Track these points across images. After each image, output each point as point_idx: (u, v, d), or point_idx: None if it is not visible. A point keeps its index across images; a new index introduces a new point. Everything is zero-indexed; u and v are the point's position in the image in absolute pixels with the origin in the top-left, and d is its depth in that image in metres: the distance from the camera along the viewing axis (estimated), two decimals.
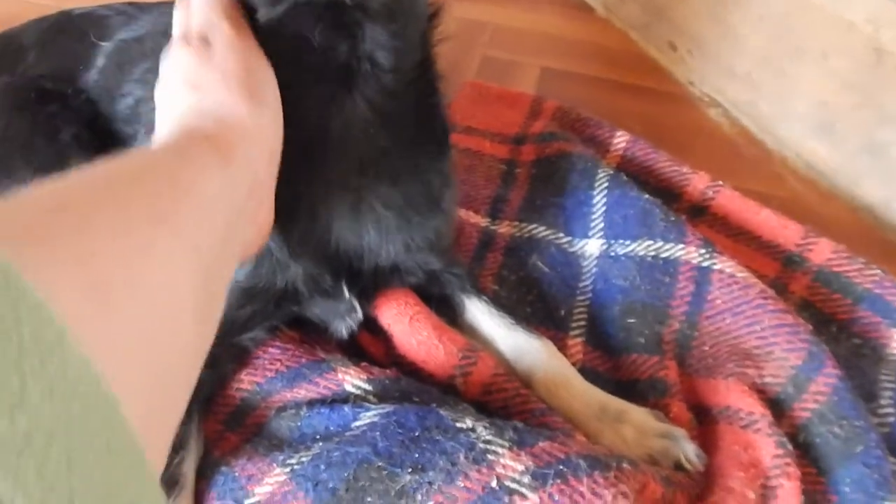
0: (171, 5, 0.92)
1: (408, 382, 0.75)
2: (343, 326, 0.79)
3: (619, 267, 0.91)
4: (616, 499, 0.61)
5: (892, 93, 0.99)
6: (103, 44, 0.88)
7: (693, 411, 0.80)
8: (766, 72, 1.17)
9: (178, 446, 0.68)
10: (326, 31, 0.60)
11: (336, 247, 0.72)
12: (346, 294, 0.75)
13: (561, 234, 0.99)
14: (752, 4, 1.15)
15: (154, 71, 0.83)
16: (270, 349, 0.78)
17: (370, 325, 0.83)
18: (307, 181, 0.69)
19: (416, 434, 0.63)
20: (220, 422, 0.76)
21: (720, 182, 1.01)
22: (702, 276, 0.88)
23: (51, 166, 0.81)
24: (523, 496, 0.60)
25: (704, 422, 0.79)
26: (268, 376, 0.75)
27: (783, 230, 0.94)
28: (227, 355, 0.76)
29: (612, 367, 0.85)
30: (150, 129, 0.82)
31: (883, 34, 0.96)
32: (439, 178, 0.76)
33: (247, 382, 0.76)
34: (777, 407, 0.78)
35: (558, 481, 0.61)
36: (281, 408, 0.74)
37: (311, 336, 0.81)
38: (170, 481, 0.65)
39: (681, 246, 0.90)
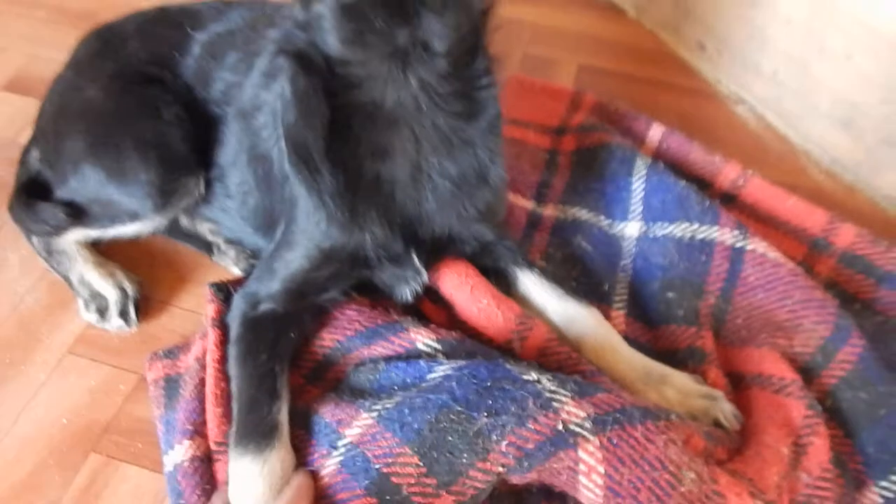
0: (253, 3, 1.01)
1: (472, 343, 0.83)
2: (408, 290, 0.87)
3: (658, 247, 0.99)
4: (666, 445, 0.69)
5: None
6: (198, 35, 0.96)
7: (728, 378, 0.88)
8: (791, 71, 1.24)
9: (273, 396, 0.76)
10: (387, 17, 0.69)
11: (399, 213, 0.81)
12: (415, 258, 0.83)
13: (602, 217, 1.07)
14: (779, 7, 1.22)
15: (243, 60, 0.92)
16: (347, 311, 0.86)
17: (430, 294, 0.92)
18: (369, 153, 0.77)
19: (488, 384, 0.71)
20: (303, 376, 0.84)
21: (750, 171, 1.08)
22: (736, 255, 0.95)
23: (154, 141, 0.90)
24: (586, 439, 0.68)
25: (739, 387, 0.87)
26: (347, 334, 0.84)
27: (810, 216, 1.02)
28: (308, 314, 0.85)
29: (652, 337, 0.93)
30: (237, 110, 0.91)
31: None
32: (489, 155, 0.83)
33: (328, 340, 0.84)
34: (806, 374, 0.85)
35: (616, 427, 0.69)
36: (359, 363, 0.82)
37: (379, 302, 0.89)
38: (269, 427, 0.74)
39: (716, 228, 0.97)
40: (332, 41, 0.71)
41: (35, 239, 1.00)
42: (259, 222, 0.94)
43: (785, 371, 0.84)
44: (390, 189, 0.79)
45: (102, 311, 0.94)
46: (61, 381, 0.90)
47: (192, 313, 0.98)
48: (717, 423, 0.80)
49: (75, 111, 0.95)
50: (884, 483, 0.79)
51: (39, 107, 1.05)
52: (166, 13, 1.04)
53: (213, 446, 0.79)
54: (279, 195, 0.85)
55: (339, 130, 0.76)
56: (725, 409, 0.80)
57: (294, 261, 0.81)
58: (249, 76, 0.89)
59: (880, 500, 0.78)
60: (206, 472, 0.78)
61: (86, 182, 0.92)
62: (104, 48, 1.01)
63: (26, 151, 1.05)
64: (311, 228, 0.80)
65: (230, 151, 0.93)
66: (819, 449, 0.77)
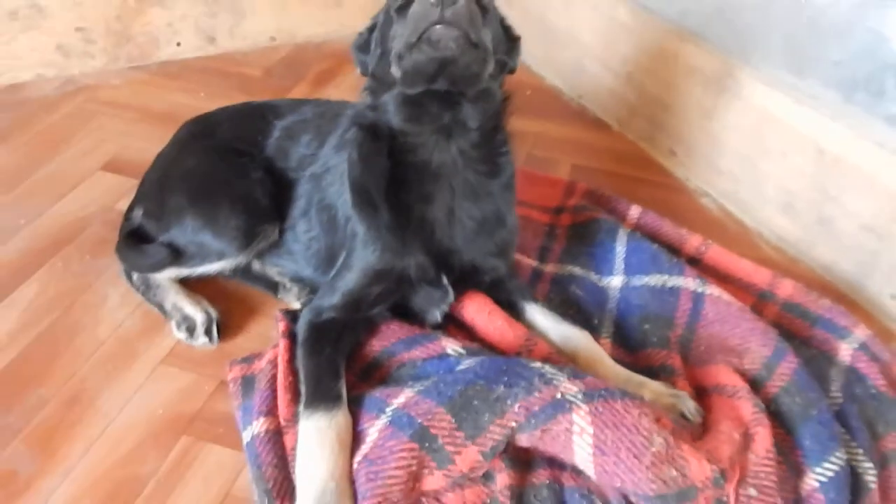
0: (323, 100, 1.34)
1: (489, 351, 1.05)
2: (438, 312, 1.11)
3: (637, 293, 1.24)
4: (640, 416, 0.90)
5: (832, 180, 1.35)
6: (278, 122, 1.27)
7: (693, 391, 1.09)
8: (743, 168, 1.55)
9: (336, 377, 0.98)
10: (439, 105, 0.99)
11: (436, 245, 1.07)
12: (444, 280, 1.07)
13: (592, 273, 1.32)
14: (729, 118, 1.55)
15: (315, 139, 1.23)
16: (392, 325, 1.09)
17: (454, 321, 1.15)
18: (418, 198, 1.05)
19: (504, 368, 0.93)
20: (355, 374, 1.06)
21: (710, 241, 1.35)
22: (697, 297, 1.20)
23: (242, 195, 1.18)
24: (578, 406, 0.89)
25: (702, 397, 1.08)
26: (392, 341, 1.07)
27: (757, 273, 1.28)
28: (361, 325, 1.08)
29: (632, 359, 1.15)
30: (310, 174, 1.19)
31: (822, 138, 1.35)
32: (505, 205, 1.11)
33: (377, 346, 1.07)
34: (754, 386, 1.07)
35: (601, 399, 0.90)
36: (401, 365, 1.05)
37: (414, 323, 1.12)
38: (334, 395, 0.95)
39: (681, 278, 1.23)
40: (395, 119, 1.01)
41: (135, 276, 1.25)
42: (319, 262, 1.19)
43: (736, 381, 1.06)
44: (431, 226, 1.06)
45: (191, 330, 1.17)
46: (156, 384, 1.11)
47: (260, 336, 1.21)
48: (683, 416, 1.01)
49: (179, 175, 1.24)
50: (819, 469, 0.98)
51: (143, 176, 1.35)
52: (251, 106, 1.36)
53: (283, 422, 1.00)
54: (341, 235, 1.12)
55: (395, 181, 1.04)
56: (689, 405, 1.02)
57: (352, 280, 1.06)
58: (322, 149, 1.19)
59: (817, 484, 0.97)
60: (277, 441, 0.98)
61: (185, 228, 1.18)
62: (201, 131, 1.32)
63: (130, 210, 1.32)
64: (368, 255, 1.06)
65: (301, 206, 1.20)
66: (763, 437, 0.98)
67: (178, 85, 1.93)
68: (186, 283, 1.25)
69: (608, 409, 0.89)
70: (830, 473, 0.97)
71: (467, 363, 0.98)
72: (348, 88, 1.98)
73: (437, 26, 0.88)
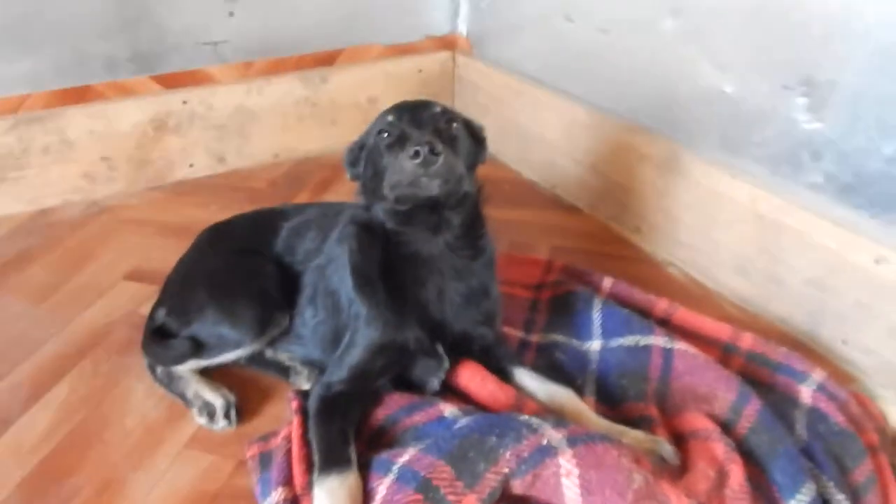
0: (324, 202, 1.53)
1: (483, 412, 1.17)
2: (436, 380, 1.24)
3: (613, 353, 1.37)
4: (619, 457, 1.01)
5: (773, 242, 1.52)
6: (285, 224, 1.45)
7: (671, 438, 1.20)
8: (699, 238, 1.72)
9: (346, 443, 1.09)
10: (426, 213, 1.17)
11: (430, 320, 1.21)
12: (440, 350, 1.21)
13: (573, 339, 1.46)
14: (680, 198, 1.74)
15: (318, 235, 1.40)
16: (394, 395, 1.22)
17: (450, 388, 1.27)
18: (411, 281, 1.21)
19: (495, 421, 1.05)
20: (364, 443, 1.17)
21: (676, 303, 1.50)
22: (667, 353, 1.33)
23: (257, 290, 1.33)
24: (563, 450, 1.00)
25: (679, 443, 1.19)
26: (395, 409, 1.19)
27: (720, 329, 1.41)
28: (367, 397, 1.20)
29: (614, 413, 1.27)
30: (315, 265, 1.35)
31: (760, 206, 1.54)
32: (488, 279, 1.27)
33: (381, 415, 1.19)
34: (725, 429, 1.18)
35: (582, 444, 1.01)
36: (404, 430, 1.16)
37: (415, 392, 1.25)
38: (346, 459, 1.06)
39: (652, 336, 1.37)
40: (388, 223, 1.19)
41: (159, 370, 1.37)
42: (326, 344, 1.33)
43: (708, 424, 1.17)
44: (424, 304, 1.21)
45: (211, 415, 1.28)
46: (181, 466, 1.22)
47: (274, 417, 1.32)
48: (662, 460, 1.11)
49: (199, 275, 1.40)
50: (792, 501, 1.07)
51: (165, 279, 1.50)
52: (262, 213, 1.55)
53: (298, 491, 1.09)
54: (344, 317, 1.26)
55: (389, 268, 1.20)
56: (667, 449, 1.13)
57: (357, 354, 1.20)
58: (325, 243, 1.36)
59: None
60: None
61: (206, 321, 1.33)
62: (217, 236, 1.50)
63: (153, 310, 1.46)
64: (371, 332, 1.20)
65: (307, 294, 1.36)
66: (736, 473, 1.08)
67: (191, 200, 2.14)
68: (206, 373, 1.38)
69: (590, 451, 1.00)
70: None
71: (464, 421, 1.10)
72: (345, 194, 2.15)
73: (423, 178, 1.08)
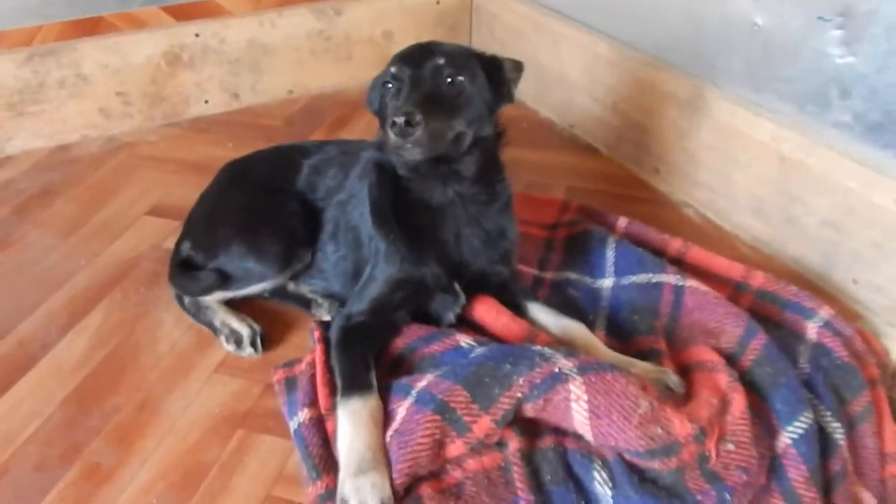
0: (343, 140, 1.55)
1: (497, 342, 1.22)
2: (451, 314, 1.29)
3: (626, 290, 1.41)
4: (627, 384, 1.06)
5: (793, 183, 1.53)
6: (306, 161, 1.47)
7: (678, 372, 1.24)
8: (718, 179, 1.73)
9: (367, 370, 1.15)
10: (433, 163, 1.18)
11: (448, 258, 1.25)
12: (456, 286, 1.25)
13: (586, 277, 1.49)
14: (701, 139, 1.74)
15: (339, 173, 1.42)
16: (412, 326, 1.27)
17: (465, 321, 1.32)
18: (430, 225, 1.24)
19: (509, 350, 1.10)
20: (384, 370, 1.22)
21: (690, 243, 1.52)
22: (678, 290, 1.36)
23: (281, 225, 1.37)
24: (573, 377, 1.05)
25: (685, 374, 1.23)
26: (413, 339, 1.24)
27: (731, 268, 1.44)
28: (386, 327, 1.25)
29: (624, 347, 1.31)
30: (337, 201, 1.38)
31: (782, 146, 1.53)
32: (505, 221, 1.30)
33: (401, 344, 1.24)
34: (730, 361, 1.22)
35: (592, 372, 1.06)
36: (422, 358, 1.22)
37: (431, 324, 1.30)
38: (367, 383, 1.12)
39: (663, 275, 1.40)
40: (399, 169, 1.21)
41: (187, 300, 1.43)
42: (347, 278, 1.37)
43: (714, 357, 1.21)
44: (442, 244, 1.24)
45: (238, 343, 1.35)
46: (212, 389, 1.29)
47: (297, 346, 1.38)
48: (668, 389, 1.16)
49: (224, 211, 1.44)
50: (790, 428, 1.12)
51: (189, 214, 1.54)
52: (281, 149, 1.58)
53: (323, 412, 1.16)
54: (365, 252, 1.30)
55: (404, 209, 1.23)
56: (673, 379, 1.17)
57: (377, 287, 1.24)
58: (347, 180, 1.38)
59: (789, 440, 1.11)
60: (320, 427, 1.14)
61: (232, 255, 1.37)
62: (239, 173, 1.53)
63: (178, 244, 1.50)
64: (390, 267, 1.24)
65: (329, 230, 1.40)
66: (738, 401, 1.13)
67: (207, 138, 2.16)
68: (231, 304, 1.43)
69: (599, 379, 1.05)
70: (801, 431, 1.11)
71: (479, 351, 1.15)
72: (361, 131, 2.19)
73: (406, 145, 1.08)
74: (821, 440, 1.13)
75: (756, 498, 1.07)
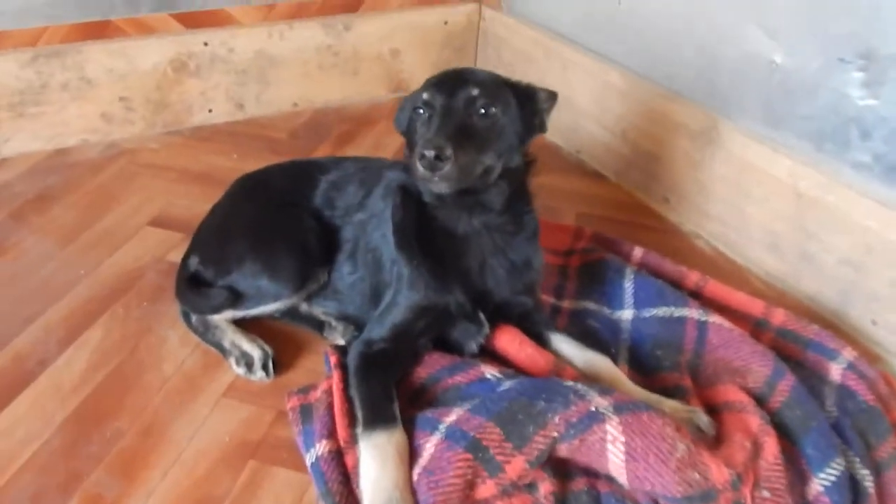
0: (361, 157, 1.51)
1: (523, 375, 1.19)
2: (474, 343, 1.25)
3: (647, 323, 1.39)
4: (664, 426, 1.03)
5: (810, 220, 1.53)
6: (323, 177, 1.43)
7: (704, 409, 1.22)
8: (731, 212, 1.72)
9: (391, 400, 1.10)
10: (460, 195, 1.15)
11: (472, 287, 1.21)
12: (481, 316, 1.22)
13: (604, 307, 1.47)
14: (715, 169, 1.74)
15: (358, 190, 1.38)
16: (434, 355, 1.23)
17: (487, 351, 1.29)
18: (454, 254, 1.20)
19: (542, 386, 1.07)
20: (405, 400, 1.18)
21: (708, 276, 1.51)
22: (701, 326, 1.35)
23: (298, 242, 1.32)
24: (610, 417, 1.02)
25: (712, 414, 1.21)
26: (436, 369, 1.20)
27: (752, 304, 1.43)
28: (408, 355, 1.21)
29: (648, 383, 1.28)
30: (356, 220, 1.34)
31: (799, 183, 1.53)
32: (531, 251, 1.27)
33: (423, 374, 1.20)
34: (758, 402, 1.20)
35: (629, 411, 1.03)
36: (445, 389, 1.17)
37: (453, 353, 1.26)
38: (391, 416, 1.07)
39: (686, 309, 1.38)
40: (424, 195, 1.18)
41: (194, 318, 1.37)
42: (364, 300, 1.33)
43: (742, 397, 1.19)
44: (466, 273, 1.21)
45: (249, 366, 1.29)
46: (221, 415, 1.23)
47: (309, 370, 1.33)
48: (699, 430, 1.14)
49: (238, 225, 1.39)
50: (822, 475, 1.10)
51: (198, 228, 1.49)
52: (298, 164, 1.53)
53: (342, 444, 1.11)
54: (386, 275, 1.26)
55: (428, 236, 1.20)
56: (703, 419, 1.15)
57: (400, 313, 1.20)
58: (368, 198, 1.35)
59: (822, 488, 1.09)
60: (339, 461, 1.09)
61: (245, 272, 1.32)
62: (253, 186, 1.48)
63: (185, 258, 1.45)
64: (413, 294, 1.20)
65: (347, 249, 1.35)
66: (771, 445, 1.11)
67: (211, 147, 2.10)
68: (239, 325, 1.37)
69: (636, 419, 1.02)
70: (833, 478, 1.09)
71: (508, 384, 1.11)
72: (367, 148, 2.16)
73: (433, 179, 1.06)
74: (851, 488, 1.11)
75: None
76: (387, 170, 1.35)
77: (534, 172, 1.28)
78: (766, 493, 1.05)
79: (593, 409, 1.03)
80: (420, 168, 1.05)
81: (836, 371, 1.29)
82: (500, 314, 1.26)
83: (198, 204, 1.79)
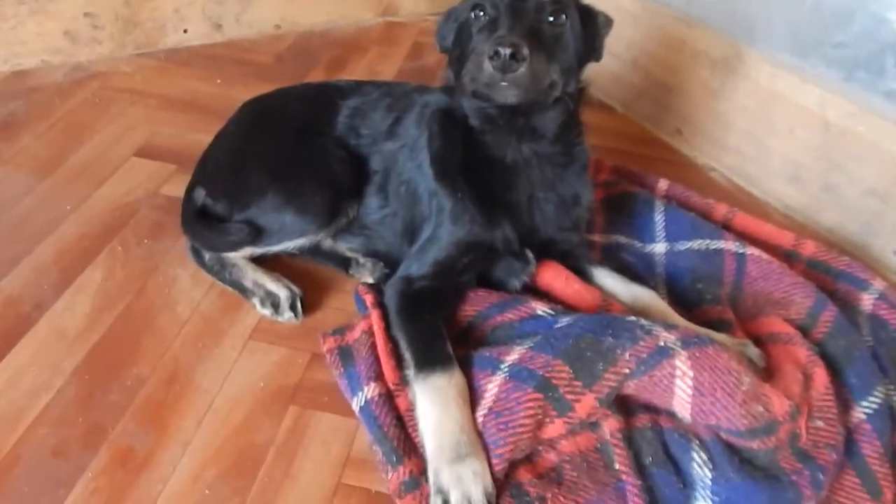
0: (381, 81, 1.39)
1: (575, 312, 1.14)
2: (517, 282, 1.19)
3: (683, 257, 1.35)
4: (729, 359, 1.01)
5: (837, 150, 1.51)
6: (344, 102, 1.30)
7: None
8: (750, 144, 1.69)
9: (443, 339, 1.04)
10: (512, 114, 1.07)
11: (519, 223, 1.14)
12: (528, 253, 1.15)
13: (636, 241, 1.43)
14: (737, 100, 1.69)
15: (385, 117, 1.27)
16: (480, 292, 1.16)
17: (529, 288, 1.23)
18: (501, 186, 1.12)
19: (605, 322, 1.02)
20: (452, 339, 1.11)
21: (735, 208, 1.48)
22: (740, 258, 1.32)
23: (327, 174, 1.21)
24: (678, 352, 0.98)
25: (759, 346, 1.19)
26: (485, 306, 1.13)
27: (782, 235, 1.41)
28: (452, 292, 1.14)
29: (690, 317, 1.25)
30: (386, 150, 1.24)
31: (827, 112, 1.50)
32: (581, 186, 1.20)
33: (470, 311, 1.14)
34: (802, 332, 1.20)
35: (695, 346, 1.00)
36: (496, 327, 1.12)
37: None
38: (446, 355, 1.01)
39: (722, 241, 1.35)
40: (471, 119, 1.08)
41: (208, 256, 1.26)
42: (396, 236, 1.24)
43: (788, 328, 1.18)
44: (514, 207, 1.13)
45: (276, 306, 1.19)
46: (250, 358, 1.14)
47: (338, 310, 1.25)
48: (750, 362, 1.12)
49: (255, 154, 1.26)
50: (865, 403, 1.11)
51: (203, 158, 1.35)
52: (314, 87, 1.40)
53: (391, 386, 1.05)
54: (423, 208, 1.17)
55: (474, 166, 1.11)
56: (753, 352, 1.13)
57: (443, 249, 1.12)
58: (399, 125, 1.23)
59: (864, 416, 1.10)
60: (391, 404, 1.03)
61: (266, 206, 1.20)
62: (266, 112, 1.34)
63: (189, 191, 1.32)
64: (457, 228, 1.12)
65: (376, 181, 1.25)
66: (821, 375, 1.10)
67: (191, 72, 1.91)
68: (256, 262, 1.27)
69: (703, 353, 0.99)
70: (875, 406, 1.10)
71: (566, 320, 1.06)
72: (362, 76, 2.01)
73: (501, 83, 0.97)
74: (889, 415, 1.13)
75: None
76: (416, 94, 1.24)
77: (585, 100, 1.19)
78: (819, 423, 1.05)
79: (662, 343, 0.99)
80: (489, 69, 0.95)
81: (867, 301, 1.30)
82: (544, 251, 1.20)
83: (186, 133, 1.65)
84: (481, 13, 1.04)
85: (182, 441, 1.00)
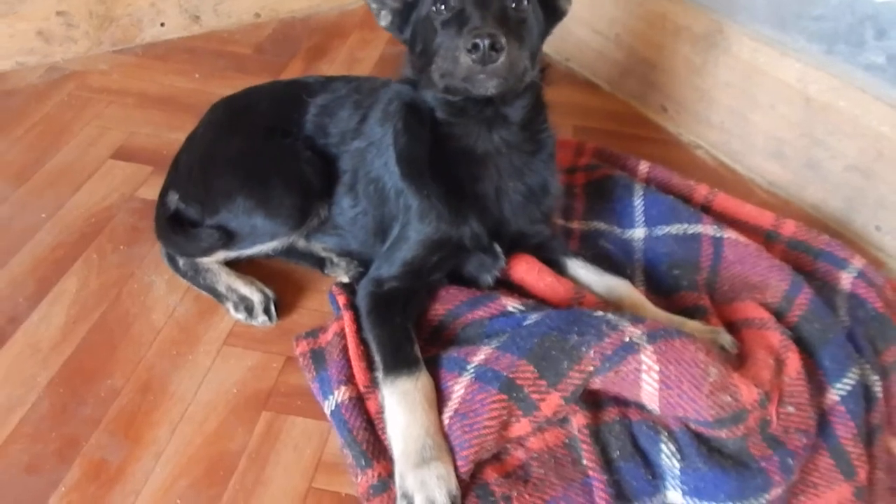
0: (352, 76, 1.36)
1: (544, 306, 1.13)
2: (489, 277, 1.18)
3: (661, 242, 1.34)
4: (696, 351, 1.00)
5: (819, 125, 1.48)
6: (312, 100, 1.29)
7: (725, 327, 1.20)
8: (733, 121, 1.66)
9: (411, 342, 1.04)
10: (480, 104, 1.05)
11: (488, 217, 1.13)
12: (497, 248, 1.14)
13: (615, 227, 1.41)
14: (719, 76, 1.65)
15: (353, 115, 1.26)
16: (451, 290, 1.16)
17: (503, 282, 1.22)
18: (466, 176, 1.11)
19: (572, 319, 1.01)
20: (423, 339, 1.12)
21: (716, 189, 1.46)
22: (717, 242, 1.31)
23: (295, 176, 1.20)
24: (644, 347, 0.98)
25: (733, 331, 1.19)
26: (455, 304, 1.13)
27: (761, 216, 1.39)
28: (422, 291, 1.14)
29: (666, 303, 1.25)
30: (354, 149, 1.22)
31: (809, 87, 1.47)
32: (549, 174, 1.18)
33: (441, 310, 1.13)
34: (777, 316, 1.19)
35: (662, 339, 0.99)
36: (466, 325, 1.11)
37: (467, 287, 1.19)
38: (414, 359, 1.01)
39: (700, 225, 1.33)
40: (437, 112, 1.07)
41: (181, 261, 1.26)
42: (367, 235, 1.24)
43: (762, 313, 1.17)
44: (482, 201, 1.12)
45: (250, 311, 1.20)
46: (224, 363, 1.15)
47: (313, 311, 1.25)
48: (722, 349, 1.12)
49: (224, 157, 1.25)
50: (839, 385, 1.10)
51: (175, 160, 1.35)
52: (282, 85, 1.38)
53: (362, 389, 1.05)
54: (391, 207, 1.16)
55: (440, 159, 1.09)
56: (726, 339, 1.12)
57: (411, 249, 1.11)
58: (365, 123, 1.22)
59: (838, 398, 1.10)
60: (361, 407, 1.04)
61: (236, 210, 1.20)
62: (237, 112, 1.33)
63: (163, 195, 1.32)
64: (424, 226, 1.11)
65: (345, 181, 1.24)
66: (793, 360, 1.10)
67: (168, 67, 1.90)
68: (231, 265, 1.27)
69: (669, 347, 0.99)
70: (849, 388, 1.10)
71: (534, 317, 1.06)
72: (342, 64, 1.99)
73: (479, 76, 0.95)
74: (863, 395, 1.12)
75: None
76: (383, 90, 1.22)
77: (546, 82, 1.17)
78: (790, 409, 1.05)
79: (627, 339, 0.98)
80: (466, 63, 0.94)
81: (846, 280, 1.28)
82: (516, 244, 1.19)
83: (164, 132, 1.65)
84: (442, 6, 1.01)
85: (155, 452, 1.02)
